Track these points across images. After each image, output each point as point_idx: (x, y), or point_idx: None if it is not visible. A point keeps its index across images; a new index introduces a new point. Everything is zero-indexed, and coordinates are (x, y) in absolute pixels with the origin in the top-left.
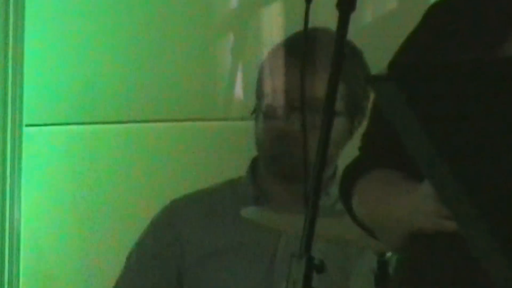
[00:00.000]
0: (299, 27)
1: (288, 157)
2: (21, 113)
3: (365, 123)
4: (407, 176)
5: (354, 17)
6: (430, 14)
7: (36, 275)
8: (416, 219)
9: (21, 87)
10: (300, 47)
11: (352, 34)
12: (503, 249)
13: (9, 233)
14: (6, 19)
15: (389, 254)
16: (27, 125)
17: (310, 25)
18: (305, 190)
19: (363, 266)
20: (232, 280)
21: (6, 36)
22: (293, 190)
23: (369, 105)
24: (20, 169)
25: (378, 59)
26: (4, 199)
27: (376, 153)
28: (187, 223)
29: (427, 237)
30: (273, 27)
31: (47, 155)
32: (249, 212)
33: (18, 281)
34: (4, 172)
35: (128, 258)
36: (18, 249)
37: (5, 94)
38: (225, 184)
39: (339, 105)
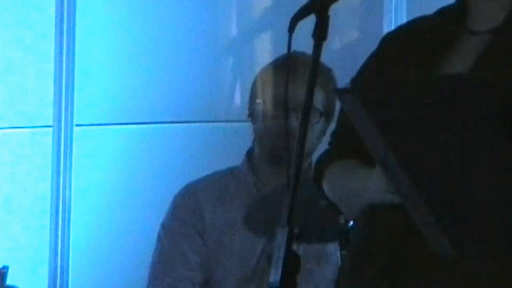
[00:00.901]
0: (283, 50)
1: (283, 148)
2: (72, 114)
3: (334, 123)
4: (363, 162)
5: (325, 44)
6: (383, 43)
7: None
8: (371, 194)
9: (72, 91)
10: (286, 65)
11: (324, 57)
12: (434, 215)
13: (62, 222)
14: (61, 29)
15: (351, 223)
16: (77, 125)
17: (292, 50)
18: (287, 175)
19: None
20: (241, 244)
21: (60, 42)
22: (284, 174)
23: (337, 109)
24: (71, 165)
25: (343, 75)
26: (58, 194)
27: (341, 147)
28: (205, 201)
29: (377, 208)
30: (264, 50)
31: (95, 152)
32: None
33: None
34: (57, 167)
35: (161, 232)
36: (69, 239)
37: (60, 97)
38: (227, 171)
39: (319, 106)
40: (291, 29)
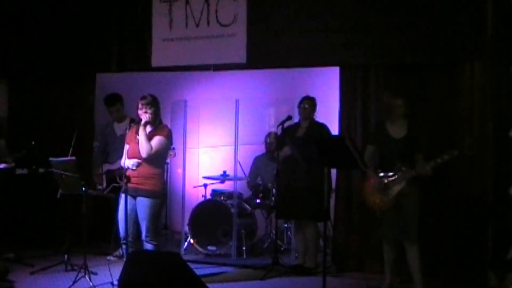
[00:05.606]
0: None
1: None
2: (237, 138)
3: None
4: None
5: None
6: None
7: None
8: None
9: (237, 129)
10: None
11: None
12: (304, 159)
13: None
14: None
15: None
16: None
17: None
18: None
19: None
20: (274, 179)
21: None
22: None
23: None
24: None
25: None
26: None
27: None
28: (259, 161)
29: (290, 157)
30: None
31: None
32: None
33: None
34: (235, 170)
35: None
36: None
37: (236, 129)
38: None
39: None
40: (281, 124)
